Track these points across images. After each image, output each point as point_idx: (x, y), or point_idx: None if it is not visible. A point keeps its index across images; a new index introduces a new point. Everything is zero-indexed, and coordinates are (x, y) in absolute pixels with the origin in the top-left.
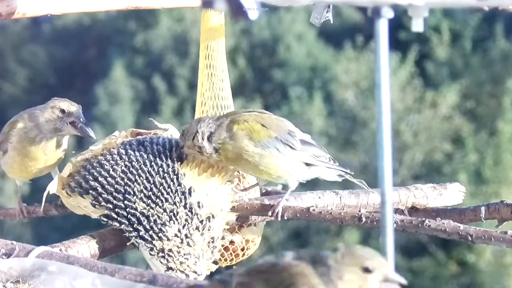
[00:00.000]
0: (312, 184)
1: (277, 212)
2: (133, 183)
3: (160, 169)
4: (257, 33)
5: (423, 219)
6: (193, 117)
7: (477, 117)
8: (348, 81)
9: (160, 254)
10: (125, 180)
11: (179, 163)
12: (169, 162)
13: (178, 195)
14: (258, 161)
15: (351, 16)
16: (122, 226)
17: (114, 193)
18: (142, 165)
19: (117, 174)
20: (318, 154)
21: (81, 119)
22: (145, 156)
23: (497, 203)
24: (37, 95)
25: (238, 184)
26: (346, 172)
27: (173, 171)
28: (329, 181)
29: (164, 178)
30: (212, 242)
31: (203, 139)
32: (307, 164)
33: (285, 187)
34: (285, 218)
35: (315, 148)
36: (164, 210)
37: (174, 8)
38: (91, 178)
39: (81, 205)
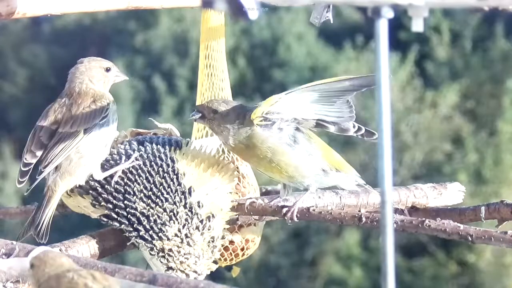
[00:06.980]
0: None
1: (292, 212)
2: (133, 183)
3: (160, 168)
4: (257, 33)
5: (423, 219)
6: None
7: (477, 117)
8: None
9: (160, 254)
10: (125, 180)
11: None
12: (169, 161)
13: (178, 195)
14: (271, 157)
15: (351, 16)
16: (122, 226)
17: (114, 193)
18: (142, 165)
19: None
20: None
21: None
22: (145, 156)
23: (497, 203)
24: (37, 95)
25: (238, 184)
26: (364, 184)
27: (173, 171)
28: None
29: (164, 177)
30: (212, 241)
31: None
32: (324, 171)
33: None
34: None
35: None
36: (164, 210)
37: (174, 8)
38: (91, 178)
39: (81, 205)
